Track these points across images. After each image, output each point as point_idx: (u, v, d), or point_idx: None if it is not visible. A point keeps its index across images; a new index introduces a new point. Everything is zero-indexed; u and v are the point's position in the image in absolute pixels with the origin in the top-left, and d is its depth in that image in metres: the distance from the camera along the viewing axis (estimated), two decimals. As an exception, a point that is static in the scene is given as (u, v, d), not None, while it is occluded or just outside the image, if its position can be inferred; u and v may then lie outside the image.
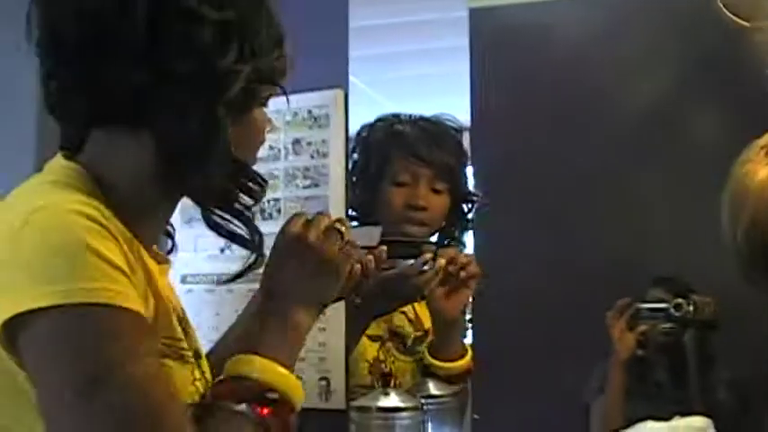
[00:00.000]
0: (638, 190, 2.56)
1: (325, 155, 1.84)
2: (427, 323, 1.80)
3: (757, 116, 1.76)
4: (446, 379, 1.62)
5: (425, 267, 1.62)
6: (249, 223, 1.07)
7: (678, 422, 1.48)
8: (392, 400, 1.36)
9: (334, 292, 1.14)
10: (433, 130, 1.86)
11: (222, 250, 1.78)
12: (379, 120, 1.91)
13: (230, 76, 1.02)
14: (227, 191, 1.06)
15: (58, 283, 0.89)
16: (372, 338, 1.77)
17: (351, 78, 1.88)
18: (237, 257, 1.10)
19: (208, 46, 1.01)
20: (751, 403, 2.15)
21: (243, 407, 1.01)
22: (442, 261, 1.63)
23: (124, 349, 0.90)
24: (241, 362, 1.05)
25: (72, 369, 0.88)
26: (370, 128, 1.89)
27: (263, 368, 1.04)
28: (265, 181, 1.09)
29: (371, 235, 1.29)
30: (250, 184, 1.07)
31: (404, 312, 1.80)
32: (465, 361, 1.71)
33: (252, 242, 1.07)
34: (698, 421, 1.47)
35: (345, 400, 1.69)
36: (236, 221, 1.06)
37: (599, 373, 2.35)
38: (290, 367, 1.06)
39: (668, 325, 2.29)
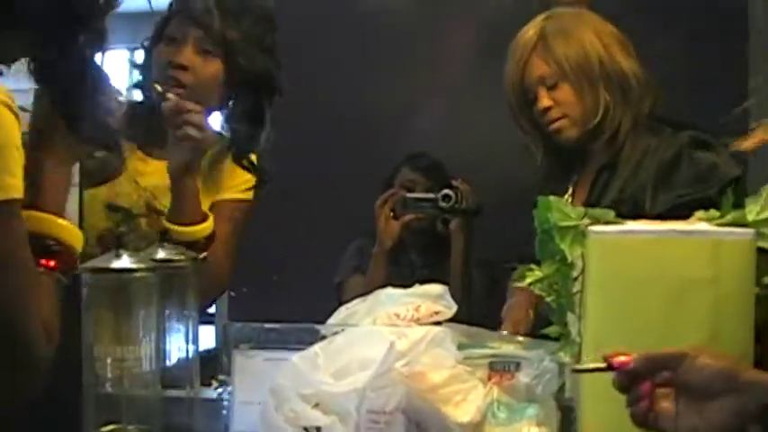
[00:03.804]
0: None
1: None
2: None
3: None
4: (189, 246, 1.56)
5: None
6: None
7: (416, 289, 1.50)
8: (124, 261, 1.32)
9: None
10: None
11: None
12: None
13: None
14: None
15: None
16: (112, 208, 1.67)
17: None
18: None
19: None
20: (498, 281, 2.24)
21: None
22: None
23: None
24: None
25: None
26: None
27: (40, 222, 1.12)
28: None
29: None
30: None
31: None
32: (204, 226, 1.63)
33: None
34: (435, 288, 1.50)
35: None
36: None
37: (353, 250, 2.39)
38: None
39: (434, 214, 2.35)
